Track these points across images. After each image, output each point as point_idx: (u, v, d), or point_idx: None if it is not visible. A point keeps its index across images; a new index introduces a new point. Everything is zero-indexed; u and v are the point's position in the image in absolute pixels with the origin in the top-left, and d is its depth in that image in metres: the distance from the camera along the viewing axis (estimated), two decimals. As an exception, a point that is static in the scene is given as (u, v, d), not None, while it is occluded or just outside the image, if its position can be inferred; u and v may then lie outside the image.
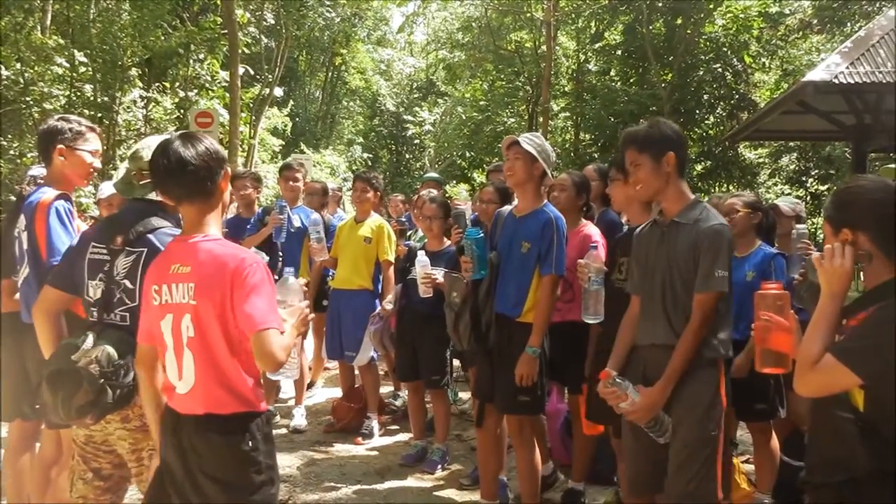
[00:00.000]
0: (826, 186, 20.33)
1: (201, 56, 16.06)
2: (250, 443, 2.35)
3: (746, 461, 4.73)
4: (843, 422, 2.06)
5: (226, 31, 15.57)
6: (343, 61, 28.80)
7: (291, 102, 23.98)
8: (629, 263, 3.31)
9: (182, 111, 15.72)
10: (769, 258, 4.03)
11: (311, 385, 6.67)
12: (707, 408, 2.91)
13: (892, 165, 2.87)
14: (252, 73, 18.56)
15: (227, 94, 16.01)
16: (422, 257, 4.64)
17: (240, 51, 15.83)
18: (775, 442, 4.20)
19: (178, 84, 16.24)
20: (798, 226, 4.53)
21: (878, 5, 18.14)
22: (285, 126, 21.92)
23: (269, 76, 19.59)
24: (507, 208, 4.09)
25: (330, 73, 30.45)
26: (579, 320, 3.80)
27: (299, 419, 5.89)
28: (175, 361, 2.36)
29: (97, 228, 2.92)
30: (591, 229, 4.25)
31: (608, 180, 3.98)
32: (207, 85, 16.53)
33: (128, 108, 15.17)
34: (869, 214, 2.14)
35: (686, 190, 3.07)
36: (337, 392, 6.48)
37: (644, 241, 3.15)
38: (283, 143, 21.95)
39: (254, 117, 18.72)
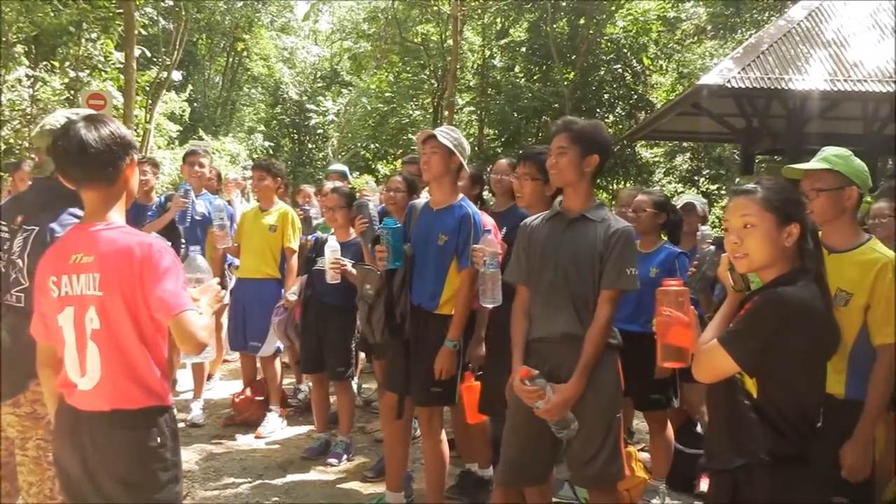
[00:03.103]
0: (716, 186, 21.27)
1: (94, 35, 15.35)
2: (158, 439, 2.26)
3: (642, 449, 4.88)
4: (741, 407, 2.15)
5: (121, 10, 14.93)
6: (245, 47, 28.04)
7: (190, 87, 23.24)
8: (514, 253, 3.32)
9: (72, 92, 15.01)
10: (673, 257, 4.17)
11: (209, 378, 6.49)
12: (613, 391, 3.04)
13: (797, 166, 2.98)
14: (149, 55, 17.88)
15: (122, 77, 15.37)
16: (333, 243, 4.60)
17: (136, 31, 15.20)
18: (670, 431, 4.36)
19: (68, 63, 15.48)
20: (703, 227, 4.75)
21: (767, 15, 19.10)
22: (183, 111, 21.23)
23: (167, 59, 18.94)
24: (421, 200, 4.07)
25: (231, 59, 29.62)
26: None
27: (197, 412, 5.73)
28: (76, 357, 2.24)
29: (4, 206, 2.81)
30: (486, 218, 4.28)
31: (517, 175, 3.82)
32: (100, 66, 15.82)
33: (12, 87, 14.37)
34: (802, 212, 2.25)
35: (593, 192, 3.18)
36: (236, 385, 6.33)
37: (539, 232, 3.17)
38: (181, 128, 21.25)
39: (150, 101, 18.07)
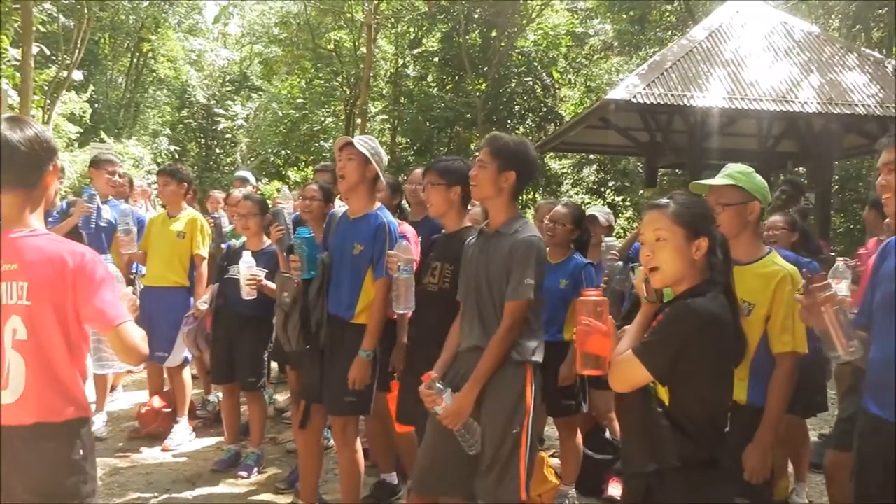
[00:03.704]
0: (622, 197, 21.94)
1: (-13, 30, 14.60)
2: (81, 451, 2.19)
3: (553, 455, 4.98)
4: (654, 414, 2.22)
5: (17, 5, 14.27)
6: (151, 48, 27.21)
7: (91, 87, 22.36)
8: (461, 272, 3.35)
9: (-37, 90, 14.22)
10: (580, 267, 4.26)
11: (112, 389, 6.26)
12: (512, 407, 3.01)
13: (703, 182, 3.11)
14: (48, 53, 17.14)
15: (18, 74, 14.67)
16: (247, 257, 4.50)
17: (34, 28, 14.54)
18: (579, 437, 4.45)
19: (-42, 60, 14.67)
20: (607, 238, 4.86)
21: (670, 34, 19.88)
22: (83, 112, 20.39)
23: (67, 58, 18.19)
24: (340, 210, 4.04)
25: (136, 60, 28.64)
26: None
27: (100, 425, 5.50)
28: None
29: None
30: (406, 227, 4.31)
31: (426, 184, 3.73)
32: (-6, 63, 15.06)
33: None
34: (711, 226, 2.33)
35: (513, 206, 3.20)
36: (141, 395, 6.14)
37: (470, 250, 3.25)
38: (81, 130, 20.40)
39: (48, 101, 17.30)
